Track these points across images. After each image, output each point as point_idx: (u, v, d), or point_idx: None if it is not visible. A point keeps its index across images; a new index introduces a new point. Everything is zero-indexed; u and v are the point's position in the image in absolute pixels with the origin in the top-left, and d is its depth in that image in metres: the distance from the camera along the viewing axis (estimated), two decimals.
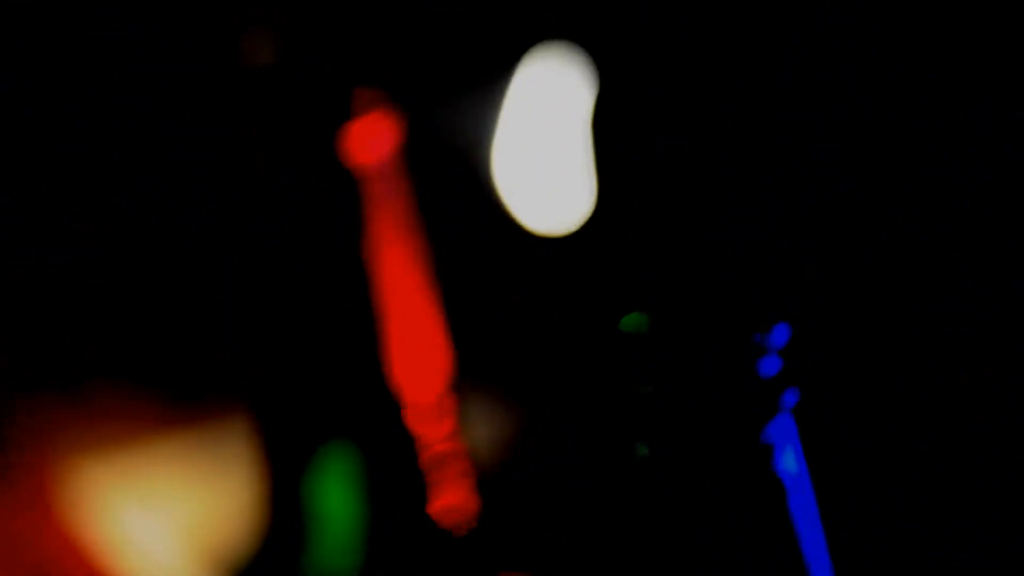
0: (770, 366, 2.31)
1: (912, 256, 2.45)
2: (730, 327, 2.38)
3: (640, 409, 2.39)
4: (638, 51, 2.50)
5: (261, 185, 2.48)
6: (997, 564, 2.30)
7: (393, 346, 2.43)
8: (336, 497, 2.42)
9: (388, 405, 2.42)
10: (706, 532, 2.34)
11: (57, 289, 2.34)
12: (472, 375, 2.48)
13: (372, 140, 2.47)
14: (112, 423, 2.33)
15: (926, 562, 2.32)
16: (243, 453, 2.38)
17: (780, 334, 2.32)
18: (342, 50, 2.49)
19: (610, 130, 2.51)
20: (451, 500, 2.39)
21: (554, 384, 2.51)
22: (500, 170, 2.51)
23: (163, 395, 2.36)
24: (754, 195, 2.50)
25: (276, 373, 2.43)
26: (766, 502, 2.29)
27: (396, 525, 2.40)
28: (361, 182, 2.47)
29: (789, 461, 2.30)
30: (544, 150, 2.53)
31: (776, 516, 2.29)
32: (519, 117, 2.52)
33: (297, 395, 2.43)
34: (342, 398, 2.45)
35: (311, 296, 2.47)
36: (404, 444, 2.41)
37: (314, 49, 2.47)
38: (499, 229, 2.51)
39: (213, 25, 2.44)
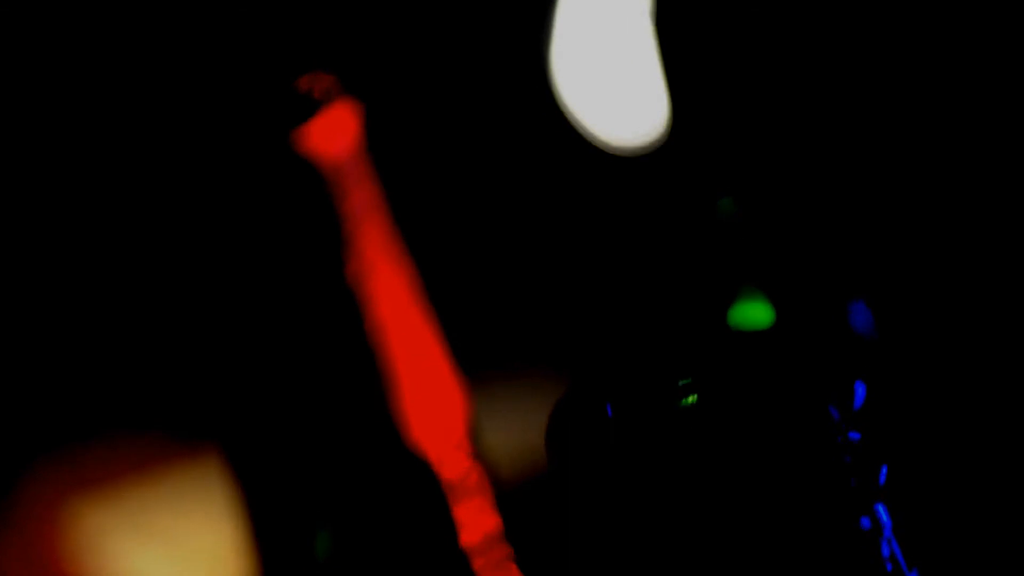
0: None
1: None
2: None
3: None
4: None
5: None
6: None
7: (399, 386, 2.25)
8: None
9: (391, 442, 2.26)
10: None
11: (49, 328, 2.31)
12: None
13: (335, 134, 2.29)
14: (113, 465, 2.30)
15: None
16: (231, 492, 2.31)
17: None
18: None
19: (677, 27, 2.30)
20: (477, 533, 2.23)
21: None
22: (559, 77, 2.29)
23: (159, 435, 2.32)
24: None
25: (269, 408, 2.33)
26: None
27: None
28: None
29: None
30: (605, 55, 2.31)
31: None
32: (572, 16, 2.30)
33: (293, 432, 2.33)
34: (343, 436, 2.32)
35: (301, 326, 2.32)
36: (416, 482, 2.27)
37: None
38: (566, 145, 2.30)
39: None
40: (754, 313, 2.17)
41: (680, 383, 2.12)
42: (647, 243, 2.33)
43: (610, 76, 2.29)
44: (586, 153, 2.29)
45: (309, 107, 2.27)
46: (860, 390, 2.07)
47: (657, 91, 2.27)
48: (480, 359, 2.28)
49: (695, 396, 2.13)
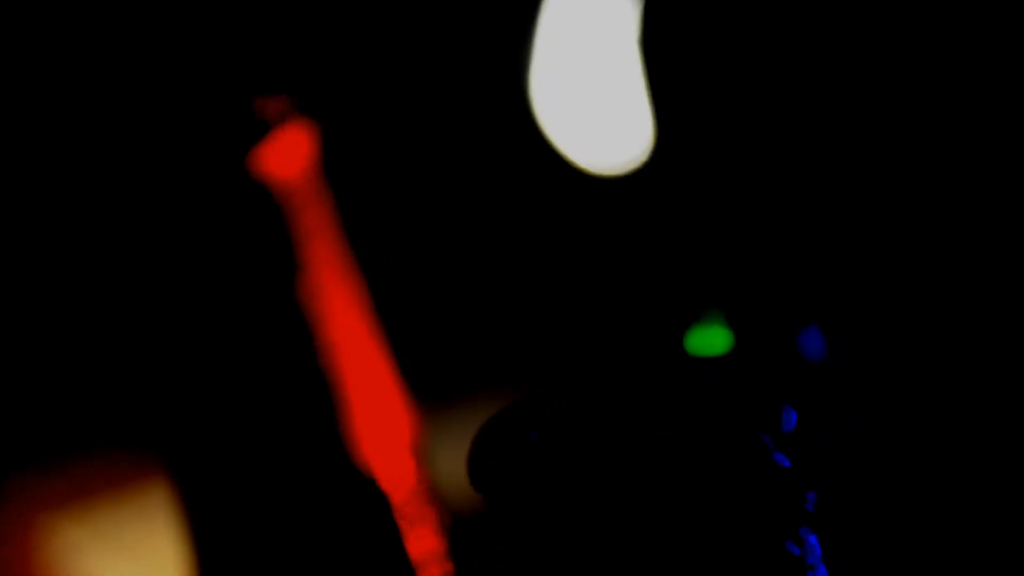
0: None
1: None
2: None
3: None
4: None
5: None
6: None
7: (349, 407, 2.26)
8: None
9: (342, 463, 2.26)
10: None
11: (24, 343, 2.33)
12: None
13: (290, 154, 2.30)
14: (84, 483, 2.32)
15: None
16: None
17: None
18: None
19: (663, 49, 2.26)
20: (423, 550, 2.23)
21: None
22: (538, 100, 2.25)
23: (129, 454, 2.33)
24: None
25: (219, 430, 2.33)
26: None
27: None
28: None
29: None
30: (586, 77, 2.26)
31: None
32: (553, 38, 2.26)
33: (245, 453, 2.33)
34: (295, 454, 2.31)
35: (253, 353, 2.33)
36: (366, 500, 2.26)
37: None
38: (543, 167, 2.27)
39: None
40: (709, 339, 2.16)
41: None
42: (605, 265, 2.32)
43: (593, 99, 2.27)
44: (548, 174, 2.29)
45: (264, 128, 2.28)
46: (790, 414, 2.05)
47: (641, 115, 2.25)
48: (431, 382, 2.29)
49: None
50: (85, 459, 2.33)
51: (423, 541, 2.21)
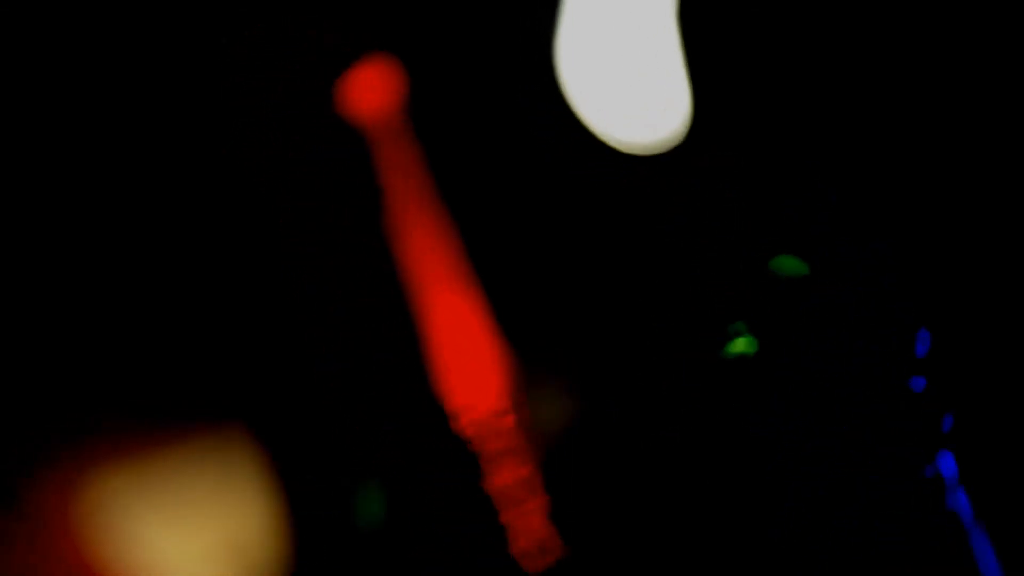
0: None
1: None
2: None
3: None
4: None
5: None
6: None
7: (435, 349, 2.22)
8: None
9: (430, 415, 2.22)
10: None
11: (59, 300, 2.25)
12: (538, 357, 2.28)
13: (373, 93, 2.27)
14: (125, 436, 2.24)
15: None
16: (255, 461, 2.25)
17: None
18: None
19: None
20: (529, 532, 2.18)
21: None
22: (569, 76, 2.21)
23: (172, 404, 2.26)
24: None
25: (292, 377, 2.28)
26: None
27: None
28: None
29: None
30: (622, 51, 2.23)
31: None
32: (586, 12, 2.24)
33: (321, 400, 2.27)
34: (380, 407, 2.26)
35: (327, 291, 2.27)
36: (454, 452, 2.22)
37: None
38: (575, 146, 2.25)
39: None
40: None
41: (731, 330, 2.12)
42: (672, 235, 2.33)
43: (626, 73, 2.24)
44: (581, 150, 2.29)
45: (348, 63, 2.25)
46: (926, 337, 2.07)
47: (679, 90, 2.23)
48: (520, 325, 2.27)
49: (745, 342, 2.13)
50: (135, 423, 2.25)
51: (518, 478, 2.18)
